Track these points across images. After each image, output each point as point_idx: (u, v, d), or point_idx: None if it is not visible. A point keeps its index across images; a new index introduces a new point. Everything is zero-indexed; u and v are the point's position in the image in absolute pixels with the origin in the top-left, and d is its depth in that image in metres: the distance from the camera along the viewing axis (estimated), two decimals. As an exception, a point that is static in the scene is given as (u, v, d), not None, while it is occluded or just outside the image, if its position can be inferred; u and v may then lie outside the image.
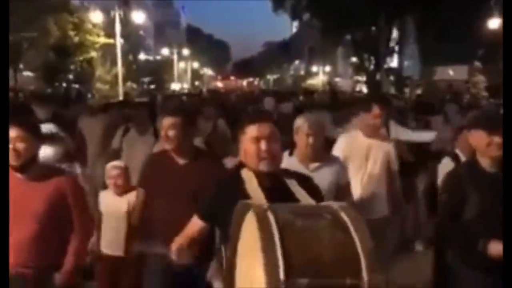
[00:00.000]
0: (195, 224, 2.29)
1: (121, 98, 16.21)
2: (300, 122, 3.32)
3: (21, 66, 18.61)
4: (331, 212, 1.71)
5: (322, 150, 3.39)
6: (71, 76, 20.20)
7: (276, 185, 2.07)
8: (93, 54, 20.40)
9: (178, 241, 2.28)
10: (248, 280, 1.61)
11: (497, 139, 2.66)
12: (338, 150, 4.01)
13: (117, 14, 18.10)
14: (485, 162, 2.78)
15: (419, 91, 21.43)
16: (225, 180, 2.33)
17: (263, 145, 2.09)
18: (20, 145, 2.64)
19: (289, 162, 3.10)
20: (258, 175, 2.10)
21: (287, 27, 58.73)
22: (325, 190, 2.87)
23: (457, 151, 3.81)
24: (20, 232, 2.64)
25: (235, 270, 1.78)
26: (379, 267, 1.57)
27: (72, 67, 19.53)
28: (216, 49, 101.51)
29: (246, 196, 1.96)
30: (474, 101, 11.75)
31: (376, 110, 3.95)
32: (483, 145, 2.74)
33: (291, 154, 3.35)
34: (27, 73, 20.04)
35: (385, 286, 1.55)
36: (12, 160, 2.67)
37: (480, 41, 23.51)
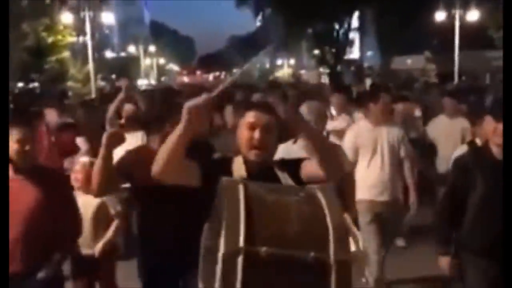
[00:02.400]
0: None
1: (93, 95, 17.01)
2: (302, 110, 3.29)
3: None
4: (307, 192, 1.77)
5: None
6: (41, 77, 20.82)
7: (265, 174, 2.05)
8: (66, 54, 21.22)
9: None
10: None
11: (501, 127, 2.61)
12: (348, 141, 4.20)
13: (87, 15, 18.90)
14: (495, 149, 2.73)
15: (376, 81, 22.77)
16: (213, 166, 2.19)
17: (256, 133, 2.09)
18: (29, 147, 2.72)
19: (293, 150, 3.16)
20: (248, 163, 2.10)
21: (252, 20, 59.73)
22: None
23: (477, 139, 4.01)
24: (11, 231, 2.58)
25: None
26: (347, 244, 1.61)
27: (46, 67, 20.27)
28: (181, 45, 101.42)
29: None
30: (425, 88, 13.00)
31: (385, 99, 4.22)
32: (490, 132, 2.74)
33: (295, 142, 3.32)
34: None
35: (352, 262, 1.59)
36: (21, 162, 2.71)
37: (432, 32, 25.04)
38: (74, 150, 5.38)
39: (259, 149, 2.09)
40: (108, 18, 22.27)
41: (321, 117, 3.48)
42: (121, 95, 4.94)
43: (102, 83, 28.80)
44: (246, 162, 2.11)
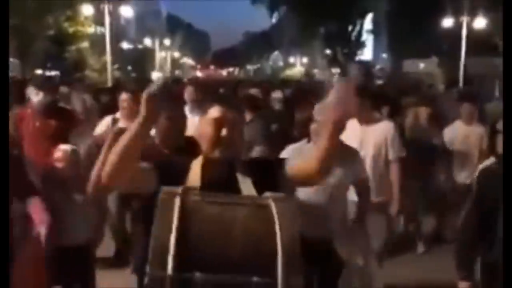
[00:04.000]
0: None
1: (109, 85, 17.84)
2: (317, 108, 3.07)
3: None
4: (259, 203, 1.57)
5: (341, 142, 2.98)
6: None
7: (222, 179, 1.83)
8: (85, 44, 22.23)
9: None
10: None
11: None
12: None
13: (106, 7, 19.79)
14: None
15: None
16: (172, 163, 1.98)
17: (223, 130, 1.88)
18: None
19: (307, 149, 2.98)
20: (207, 165, 1.87)
21: (267, 17, 60.23)
22: (341, 182, 2.97)
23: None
24: None
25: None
26: (299, 267, 1.42)
27: (66, 55, 21.29)
28: (196, 39, 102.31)
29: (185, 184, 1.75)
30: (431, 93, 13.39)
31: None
32: None
33: (309, 141, 3.11)
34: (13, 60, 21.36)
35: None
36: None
37: (441, 38, 25.44)
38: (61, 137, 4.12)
39: (225, 147, 1.87)
40: (126, 11, 23.16)
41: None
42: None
43: (117, 73, 29.66)
44: (205, 163, 1.87)
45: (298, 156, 2.54)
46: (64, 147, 3.45)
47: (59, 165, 3.36)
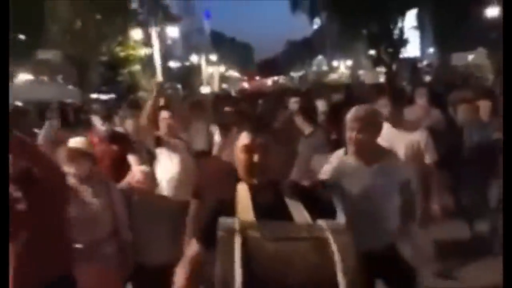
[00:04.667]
0: (193, 249, 2.00)
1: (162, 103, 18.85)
2: (348, 116, 2.90)
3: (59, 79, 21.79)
4: (316, 235, 1.56)
5: (379, 147, 2.93)
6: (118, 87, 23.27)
7: (272, 201, 1.87)
8: (136, 66, 23.61)
9: (181, 273, 1.95)
10: None
11: None
12: None
13: (154, 30, 20.98)
14: None
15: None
16: (220, 200, 2.01)
17: (255, 156, 1.89)
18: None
19: (344, 162, 2.88)
20: (253, 189, 1.90)
21: (308, 24, 60.53)
22: (386, 196, 2.79)
23: None
24: None
25: None
26: None
27: (119, 79, 22.72)
28: (240, 52, 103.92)
29: (236, 213, 1.80)
30: (480, 84, 13.06)
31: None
32: None
33: (347, 153, 2.95)
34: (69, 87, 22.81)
35: None
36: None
37: (489, 28, 24.86)
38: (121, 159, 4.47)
39: (259, 173, 1.91)
40: (173, 32, 24.32)
41: (371, 123, 2.84)
42: (154, 94, 4.47)
43: (169, 92, 30.91)
44: (251, 188, 1.91)
45: (340, 170, 2.66)
46: (142, 168, 3.58)
47: (141, 185, 3.45)
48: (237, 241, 1.48)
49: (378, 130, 2.90)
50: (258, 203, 1.85)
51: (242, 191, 1.91)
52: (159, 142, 4.40)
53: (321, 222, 1.65)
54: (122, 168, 4.10)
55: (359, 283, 1.44)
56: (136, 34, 21.85)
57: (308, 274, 1.46)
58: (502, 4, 21.32)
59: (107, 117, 6.29)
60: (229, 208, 1.85)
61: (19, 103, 16.93)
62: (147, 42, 23.80)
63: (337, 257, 1.47)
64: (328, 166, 3.03)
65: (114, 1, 18.98)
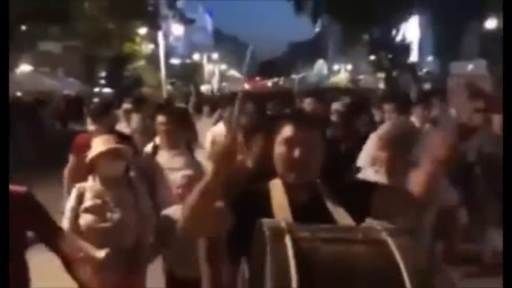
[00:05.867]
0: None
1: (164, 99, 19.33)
2: (384, 130, 2.64)
3: (59, 73, 22.33)
4: (373, 238, 1.42)
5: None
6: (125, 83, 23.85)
7: (309, 202, 1.75)
8: (141, 62, 24.13)
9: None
10: None
11: None
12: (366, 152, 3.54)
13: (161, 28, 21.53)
14: None
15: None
16: (249, 192, 1.87)
17: (296, 151, 1.75)
18: None
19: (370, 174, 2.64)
20: (289, 187, 1.78)
21: (311, 26, 60.92)
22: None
23: None
24: None
25: None
26: None
27: (126, 74, 23.26)
28: (241, 51, 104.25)
29: (270, 213, 1.67)
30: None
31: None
32: None
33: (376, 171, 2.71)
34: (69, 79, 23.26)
35: None
36: None
37: (487, 39, 25.34)
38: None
39: (299, 170, 1.76)
40: (178, 29, 24.80)
41: (409, 138, 2.64)
42: None
43: (169, 87, 31.37)
44: (287, 187, 1.78)
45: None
46: (187, 173, 3.41)
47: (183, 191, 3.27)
48: (288, 242, 1.33)
49: (413, 143, 2.61)
50: (294, 203, 1.71)
51: (277, 189, 1.78)
52: (155, 152, 3.92)
53: (374, 223, 1.51)
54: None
55: (428, 285, 1.32)
56: (142, 31, 22.39)
57: (373, 278, 1.33)
58: (501, 15, 21.84)
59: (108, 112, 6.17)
60: (264, 203, 1.71)
61: (19, 94, 17.37)
62: (151, 39, 24.28)
63: (400, 259, 1.33)
64: (362, 155, 2.89)
65: (134, 2, 19.46)
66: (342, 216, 1.66)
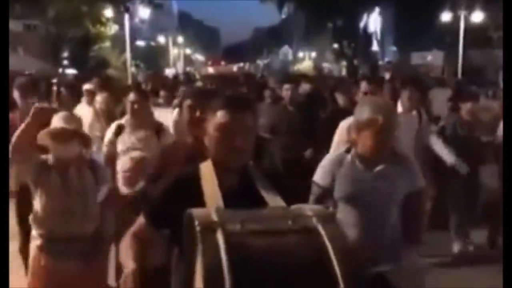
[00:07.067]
0: (141, 226, 1.82)
1: (129, 81, 19.40)
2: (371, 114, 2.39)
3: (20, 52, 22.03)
4: (305, 225, 1.39)
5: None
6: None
7: (241, 185, 1.73)
8: (107, 43, 24.03)
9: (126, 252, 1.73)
10: None
11: None
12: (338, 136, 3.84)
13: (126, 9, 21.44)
14: None
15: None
16: (180, 179, 1.82)
17: (232, 139, 1.69)
18: None
19: (349, 163, 2.50)
20: (220, 171, 1.72)
21: (276, 13, 61.22)
22: (389, 200, 2.44)
23: None
24: None
25: None
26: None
27: (91, 55, 23.16)
28: (207, 35, 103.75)
29: (201, 199, 1.60)
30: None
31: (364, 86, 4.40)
32: None
33: (348, 151, 2.55)
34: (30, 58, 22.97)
35: None
36: None
37: (444, 31, 26.48)
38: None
39: (234, 157, 1.72)
40: (144, 12, 24.79)
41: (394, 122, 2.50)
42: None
43: (133, 69, 31.27)
44: (219, 170, 1.73)
45: (337, 169, 2.44)
46: (135, 154, 3.57)
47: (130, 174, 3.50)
48: (220, 239, 1.29)
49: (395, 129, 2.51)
50: (226, 186, 1.68)
51: (208, 173, 1.73)
52: (119, 131, 3.93)
53: (304, 207, 1.49)
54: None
55: (357, 273, 1.32)
56: (108, 11, 22.29)
57: (304, 270, 1.32)
58: (457, 9, 22.92)
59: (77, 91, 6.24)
60: (195, 189, 1.67)
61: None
62: (117, 20, 24.18)
63: (330, 248, 1.33)
64: (327, 157, 2.69)
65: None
66: (273, 199, 1.64)
